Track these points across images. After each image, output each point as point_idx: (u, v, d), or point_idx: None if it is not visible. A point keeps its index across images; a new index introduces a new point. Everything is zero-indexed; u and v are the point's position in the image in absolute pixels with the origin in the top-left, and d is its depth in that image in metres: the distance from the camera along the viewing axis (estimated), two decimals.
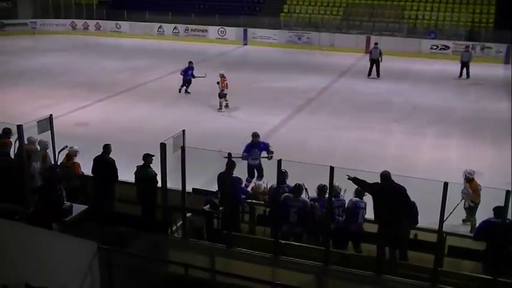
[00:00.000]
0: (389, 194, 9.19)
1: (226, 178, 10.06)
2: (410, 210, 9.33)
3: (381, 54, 27.99)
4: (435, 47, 35.99)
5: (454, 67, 29.62)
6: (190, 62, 23.69)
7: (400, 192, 9.18)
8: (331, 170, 8.40)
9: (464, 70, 28.41)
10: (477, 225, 10.00)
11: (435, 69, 31.12)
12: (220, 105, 21.28)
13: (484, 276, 8.75)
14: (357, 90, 25.64)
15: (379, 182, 9.25)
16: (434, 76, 29.44)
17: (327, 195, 9.65)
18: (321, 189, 10.15)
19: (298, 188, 9.89)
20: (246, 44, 38.20)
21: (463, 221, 11.95)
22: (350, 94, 24.89)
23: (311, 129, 19.33)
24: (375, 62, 28.05)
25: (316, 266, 8.94)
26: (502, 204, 8.09)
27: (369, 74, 28.18)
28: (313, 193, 10.30)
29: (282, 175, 9.59)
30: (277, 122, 19.90)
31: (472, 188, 11.57)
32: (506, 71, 32.29)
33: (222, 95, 21.15)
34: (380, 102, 23.09)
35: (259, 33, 39.04)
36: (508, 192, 7.80)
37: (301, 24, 39.51)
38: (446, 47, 35.73)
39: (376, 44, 28.54)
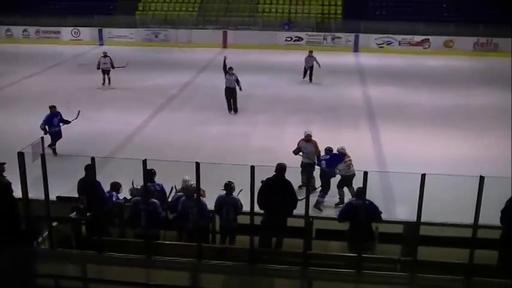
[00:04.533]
0: (276, 185, 9.42)
1: (90, 182, 9.75)
2: (293, 201, 9.54)
3: (316, 61, 26.32)
4: (289, 38, 37.21)
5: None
6: (52, 107, 16.69)
7: (285, 185, 9.45)
8: (197, 166, 8.44)
9: (308, 73, 27.13)
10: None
11: (291, 61, 32.06)
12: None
13: (350, 254, 9.23)
14: (218, 85, 25.70)
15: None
16: (291, 67, 30.36)
17: (234, 193, 9.87)
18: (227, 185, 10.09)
19: (146, 191, 9.64)
20: (102, 44, 37.13)
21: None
22: (212, 89, 25.01)
23: (175, 127, 19.28)
24: (309, 68, 26.63)
25: (190, 263, 8.96)
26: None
27: (304, 76, 26.86)
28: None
29: (149, 174, 9.55)
30: (140, 122, 19.63)
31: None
32: (356, 58, 34.18)
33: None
34: (241, 95, 23.46)
35: (115, 32, 38.12)
36: (365, 173, 8.27)
37: (157, 22, 39.19)
38: (300, 39, 37.08)
39: (310, 52, 26.84)
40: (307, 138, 13.87)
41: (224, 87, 20.73)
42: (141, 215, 9.55)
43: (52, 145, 16.00)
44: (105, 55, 25.27)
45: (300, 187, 12.31)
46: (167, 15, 39.64)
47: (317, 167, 13.45)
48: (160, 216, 9.71)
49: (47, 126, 16.15)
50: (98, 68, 25.07)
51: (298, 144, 13.93)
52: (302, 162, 13.74)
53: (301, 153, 13.82)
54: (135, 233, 9.85)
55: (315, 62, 26.20)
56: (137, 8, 40.08)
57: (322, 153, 13.49)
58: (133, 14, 39.48)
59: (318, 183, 13.26)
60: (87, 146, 15.98)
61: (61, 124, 16.46)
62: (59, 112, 16.60)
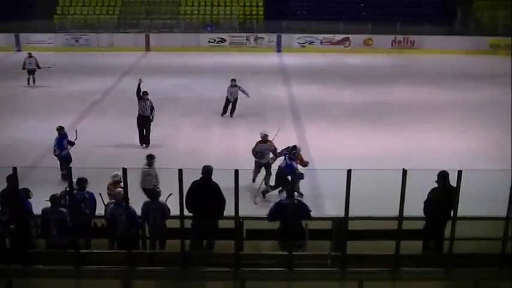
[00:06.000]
0: (203, 188, 9.38)
1: (12, 193, 9.42)
2: (222, 203, 9.49)
3: (243, 91, 20.92)
4: (212, 40, 37.22)
5: (232, 59, 30.86)
6: (60, 129, 14.95)
7: (212, 187, 9.40)
8: (124, 172, 8.33)
9: (230, 107, 21.21)
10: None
11: (215, 62, 32.16)
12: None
13: (281, 252, 9.31)
14: (142, 88, 25.44)
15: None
16: (215, 68, 30.39)
17: (163, 198, 9.80)
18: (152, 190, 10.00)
19: (55, 199, 9.44)
20: (19, 50, 35.79)
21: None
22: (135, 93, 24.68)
23: (100, 132, 18.85)
24: (231, 102, 21.04)
25: (121, 270, 8.82)
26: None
27: (224, 112, 21.07)
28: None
29: (81, 183, 9.71)
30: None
31: None
32: (279, 58, 34.57)
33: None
34: (166, 98, 23.24)
35: (33, 37, 36.78)
36: (293, 172, 8.39)
37: (77, 26, 38.28)
38: (223, 40, 37.18)
39: (233, 81, 21.03)
40: (265, 139, 14.12)
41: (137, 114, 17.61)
42: (50, 225, 9.31)
43: (64, 170, 13.74)
44: (30, 55, 25.77)
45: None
46: (87, 19, 38.78)
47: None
48: (69, 225, 9.29)
49: (57, 151, 14.55)
50: (23, 69, 25.58)
51: (256, 146, 14.13)
52: (258, 162, 14.12)
53: (257, 156, 14.07)
54: (47, 243, 9.53)
55: (240, 92, 20.98)
56: (55, 12, 39.00)
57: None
58: (52, 18, 38.36)
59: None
60: (8, 155, 15.46)
61: (69, 147, 14.77)
62: (66, 133, 15.01)
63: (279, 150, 13.83)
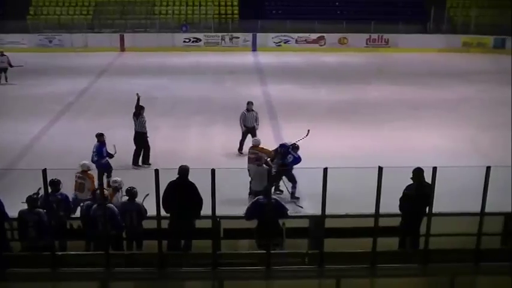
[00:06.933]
0: (180, 188, 9.35)
1: None
2: (198, 203, 9.44)
3: (257, 120, 16.83)
4: (187, 40, 37.12)
5: (207, 58, 30.82)
6: (100, 135, 14.23)
7: (189, 187, 9.37)
8: (100, 174, 8.28)
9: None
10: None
11: (190, 62, 32.10)
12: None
13: (259, 251, 9.32)
14: (117, 89, 25.38)
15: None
16: (190, 68, 30.35)
17: (139, 198, 9.76)
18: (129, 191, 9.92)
19: (32, 200, 9.25)
20: None
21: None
22: (112, 94, 24.57)
23: (75, 134, 18.65)
24: (250, 131, 16.55)
25: (98, 272, 8.76)
26: None
27: (241, 148, 16.53)
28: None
29: (55, 184, 9.56)
30: (37, 131, 18.86)
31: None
32: (255, 57, 34.61)
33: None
34: (142, 98, 23.03)
35: (5, 38, 36.08)
36: (269, 171, 8.43)
37: (50, 27, 37.86)
38: (198, 40, 37.15)
39: (250, 104, 16.96)
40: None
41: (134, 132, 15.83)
42: (28, 226, 9.18)
43: (109, 176, 13.14)
44: (2, 54, 26.28)
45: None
46: (61, 20, 38.40)
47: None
48: (47, 226, 9.14)
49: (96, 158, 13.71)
50: None
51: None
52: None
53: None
54: (22, 246, 9.40)
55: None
56: (28, 12, 38.53)
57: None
58: (25, 18, 37.89)
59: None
60: None
61: (107, 158, 13.95)
62: (104, 141, 14.16)
63: (267, 157, 13.30)
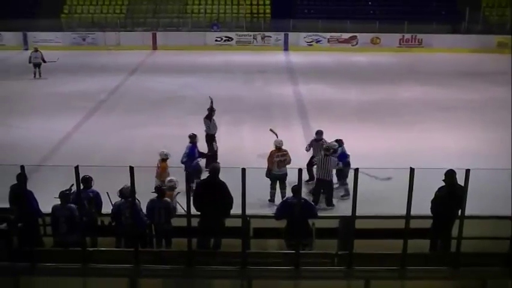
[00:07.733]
0: (210, 187, 9.40)
1: (20, 191, 9.43)
2: (229, 201, 9.45)
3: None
4: (219, 39, 37.20)
5: (238, 57, 30.79)
6: (193, 136, 13.86)
7: (219, 186, 9.40)
8: (131, 170, 8.31)
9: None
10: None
11: (221, 61, 32.14)
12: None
13: (288, 251, 9.29)
14: (148, 87, 25.55)
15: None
16: (221, 67, 30.38)
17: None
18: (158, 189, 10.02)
19: (64, 196, 9.44)
20: (27, 49, 35.86)
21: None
22: (142, 92, 24.74)
23: (106, 131, 18.87)
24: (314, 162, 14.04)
25: (127, 268, 8.82)
26: None
27: (311, 180, 14.18)
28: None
29: (86, 181, 9.69)
30: (69, 128, 19.10)
31: None
32: (286, 57, 34.54)
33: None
34: (173, 97, 23.30)
35: (40, 36, 36.69)
36: (300, 170, 8.39)
37: (84, 25, 38.31)
38: (230, 38, 37.15)
39: (319, 134, 14.84)
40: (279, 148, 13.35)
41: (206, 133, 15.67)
42: (60, 221, 9.32)
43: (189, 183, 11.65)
44: (36, 50, 27.42)
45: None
46: (94, 18, 38.84)
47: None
48: (78, 221, 9.21)
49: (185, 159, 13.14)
50: (30, 63, 27.02)
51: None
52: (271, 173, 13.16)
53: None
54: (54, 241, 9.54)
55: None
56: (62, 10, 39.08)
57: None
58: (59, 16, 38.44)
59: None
60: (15, 153, 15.49)
61: (199, 159, 13.61)
62: (196, 142, 13.75)
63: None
